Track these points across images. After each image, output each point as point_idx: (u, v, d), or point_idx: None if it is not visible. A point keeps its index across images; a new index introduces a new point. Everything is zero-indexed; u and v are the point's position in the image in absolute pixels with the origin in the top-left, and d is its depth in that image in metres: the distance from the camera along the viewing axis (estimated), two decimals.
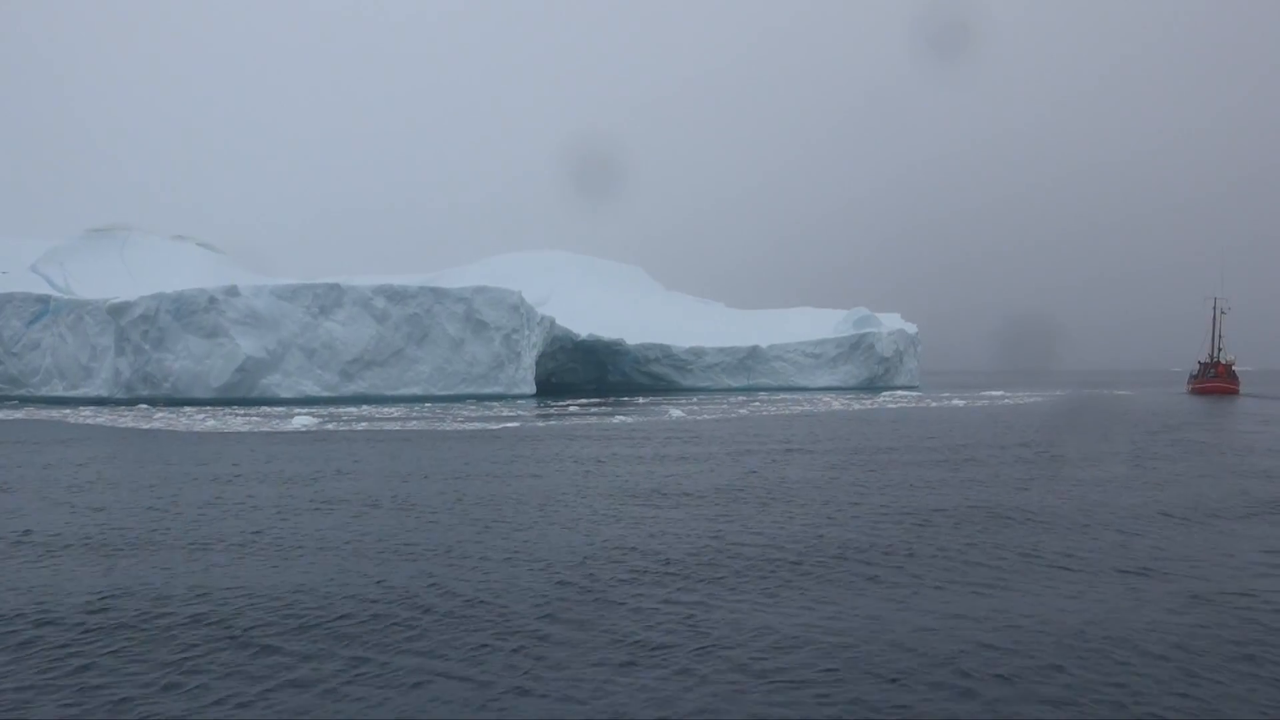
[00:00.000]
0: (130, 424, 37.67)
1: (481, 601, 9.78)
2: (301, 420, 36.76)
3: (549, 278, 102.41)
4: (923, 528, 13.97)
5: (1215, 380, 68.87)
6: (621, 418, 42.13)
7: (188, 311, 50.32)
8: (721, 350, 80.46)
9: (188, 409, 46.94)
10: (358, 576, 10.85)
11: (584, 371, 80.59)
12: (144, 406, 48.54)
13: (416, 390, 56.37)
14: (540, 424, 38.04)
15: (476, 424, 37.39)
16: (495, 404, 53.51)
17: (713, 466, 22.29)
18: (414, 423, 37.83)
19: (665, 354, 78.78)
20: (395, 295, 55.89)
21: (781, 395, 69.55)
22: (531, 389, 62.81)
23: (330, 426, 35.64)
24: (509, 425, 36.76)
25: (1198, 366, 72.66)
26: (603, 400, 60.51)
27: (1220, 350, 69.91)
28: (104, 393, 52.68)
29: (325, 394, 52.85)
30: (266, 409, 46.45)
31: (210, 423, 37.46)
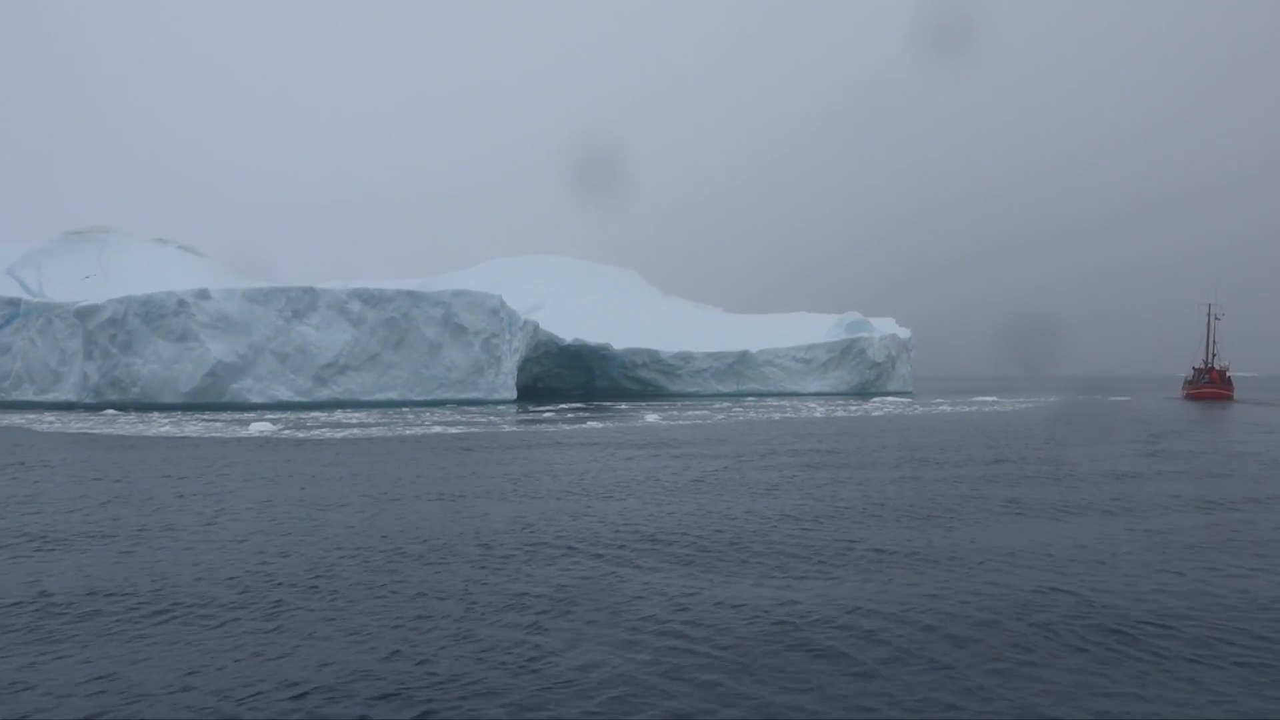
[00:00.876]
0: (85, 429, 36.80)
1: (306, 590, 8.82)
2: (259, 426, 35.81)
3: (545, 282, 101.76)
4: (815, 528, 12.97)
5: (1209, 386, 68.59)
6: (593, 423, 41.18)
7: (156, 315, 49.48)
8: (710, 355, 79.47)
9: (155, 414, 46.12)
10: (193, 571, 9.88)
11: (571, 377, 79.69)
12: (110, 411, 47.69)
13: (393, 395, 55.44)
14: (505, 429, 37.07)
15: (438, 429, 36.44)
16: (472, 409, 52.57)
17: (653, 472, 21.28)
18: (376, 429, 36.88)
19: (652, 359, 77.83)
20: (371, 299, 55.00)
21: (768, 401, 68.53)
22: (512, 394, 61.86)
23: (287, 433, 34.70)
24: (472, 431, 35.81)
25: (1192, 372, 72.41)
26: (584, 406, 59.54)
27: (1214, 356, 69.77)
28: (73, 397, 51.84)
29: (298, 399, 51.93)
30: (234, 414, 45.55)
31: (166, 428, 36.56)
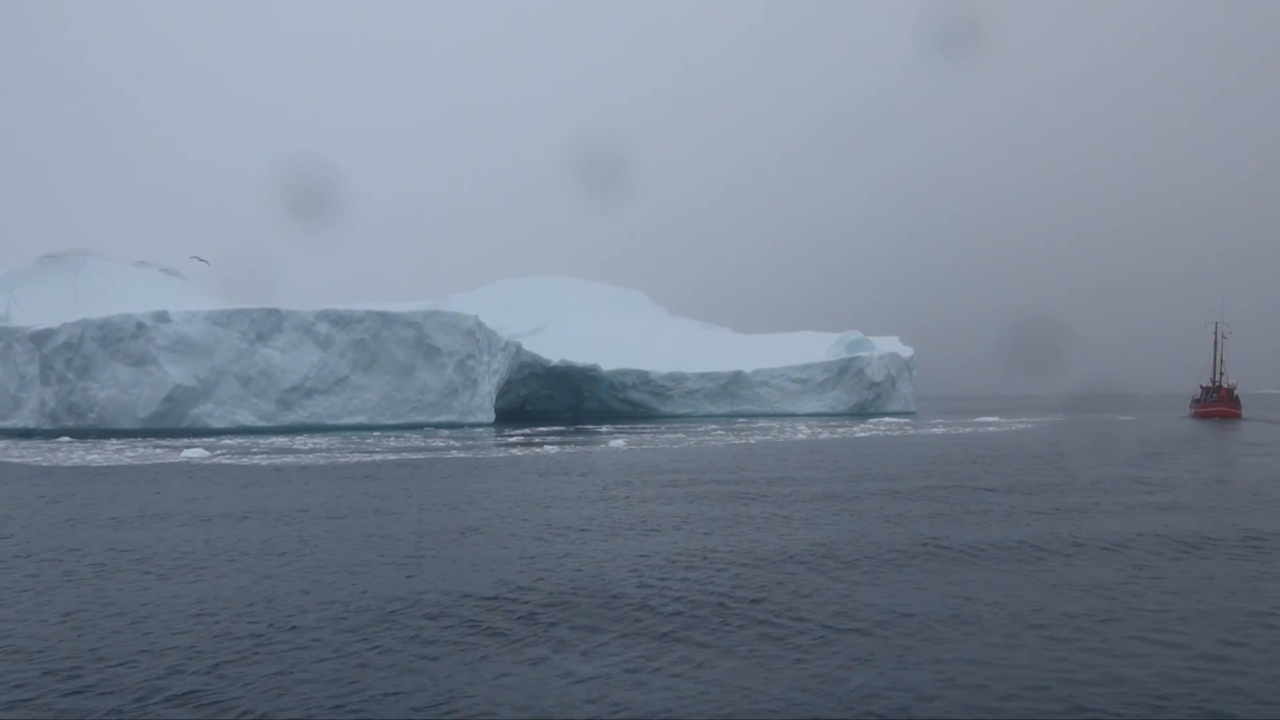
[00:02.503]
0: (16, 458, 35.30)
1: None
2: (190, 453, 34.22)
3: (551, 303, 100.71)
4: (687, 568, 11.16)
5: (1217, 404, 66.94)
6: (550, 448, 39.29)
7: (114, 338, 48.13)
8: (702, 376, 77.49)
9: (112, 441, 44.65)
10: None
11: (560, 399, 77.84)
12: (65, 438, 46.29)
13: (362, 419, 53.81)
14: (455, 455, 35.25)
15: (379, 456, 34.65)
16: (443, 433, 50.87)
17: (555, 504, 19.43)
18: (317, 455, 35.12)
19: (643, 380, 75.93)
20: (339, 320, 53.51)
21: (760, 423, 66.39)
22: (490, 417, 60.10)
23: (220, 460, 33.04)
24: (417, 457, 34.03)
25: (1200, 391, 70.58)
26: (562, 429, 57.71)
27: (1222, 374, 68.04)
28: (31, 424, 50.52)
29: (262, 424, 50.37)
30: (180, 440, 43.94)
31: (94, 456, 35.02)
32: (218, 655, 9.03)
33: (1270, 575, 12.41)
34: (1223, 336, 68.61)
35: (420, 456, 34.39)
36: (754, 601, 10.96)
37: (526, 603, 11.00)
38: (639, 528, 16.58)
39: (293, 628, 9.99)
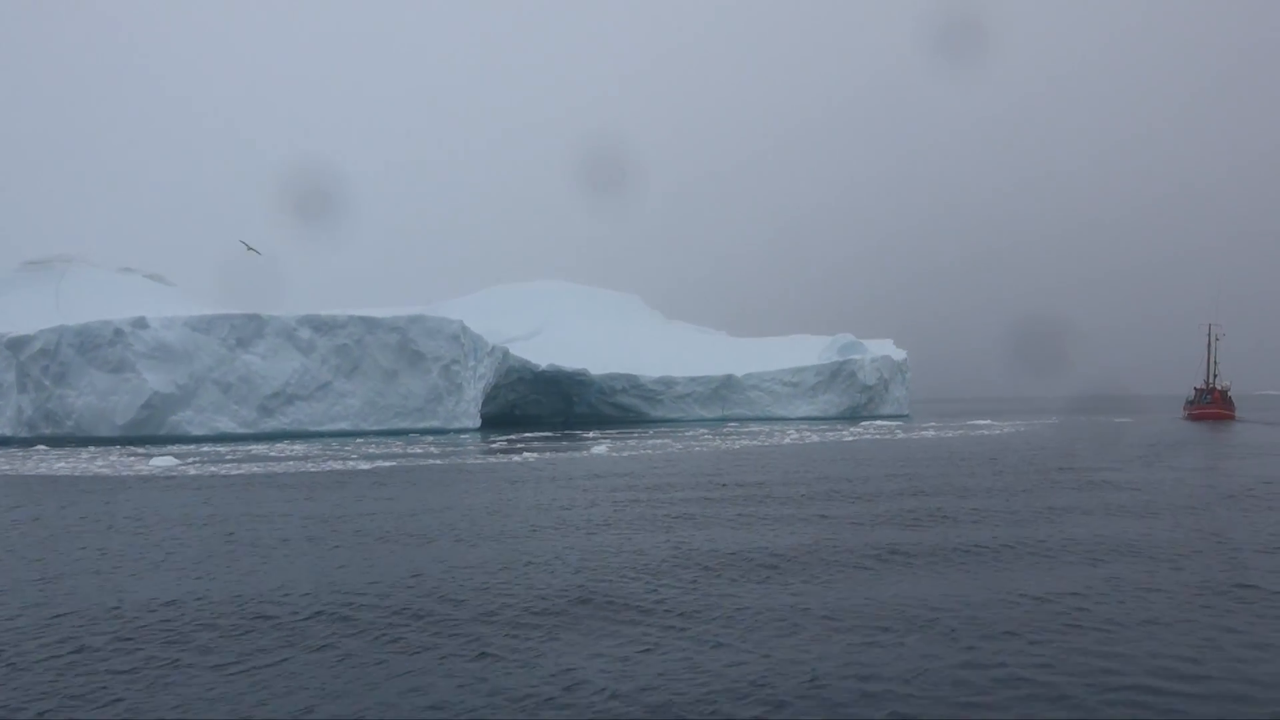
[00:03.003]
0: None
1: None
2: (159, 462, 33.60)
3: (545, 308, 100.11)
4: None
5: (1211, 406, 66.50)
6: (532, 454, 38.66)
7: (91, 345, 47.57)
8: (693, 380, 76.85)
9: (90, 449, 44.06)
10: None
11: (549, 404, 77.22)
12: (42, 447, 45.66)
13: (345, 425, 53.19)
14: (431, 462, 34.62)
15: (355, 463, 34.00)
16: (426, 440, 50.20)
17: (514, 512, 18.82)
18: (285, 464, 34.48)
19: (632, 384, 75.29)
20: (322, 325, 52.92)
21: (751, 426, 65.80)
22: (475, 423, 59.48)
23: (187, 469, 32.41)
24: (391, 465, 33.39)
25: (1194, 393, 70.08)
26: (549, 434, 57.06)
27: (1215, 376, 67.62)
28: (9, 432, 49.90)
29: (242, 431, 49.77)
30: (157, 448, 43.36)
31: (60, 465, 34.39)
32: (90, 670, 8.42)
33: (1238, 586, 11.80)
34: (1216, 338, 68.35)
35: (394, 464, 33.76)
36: (688, 613, 10.35)
37: (453, 617, 10.40)
38: (591, 534, 15.97)
39: (189, 642, 9.39)
